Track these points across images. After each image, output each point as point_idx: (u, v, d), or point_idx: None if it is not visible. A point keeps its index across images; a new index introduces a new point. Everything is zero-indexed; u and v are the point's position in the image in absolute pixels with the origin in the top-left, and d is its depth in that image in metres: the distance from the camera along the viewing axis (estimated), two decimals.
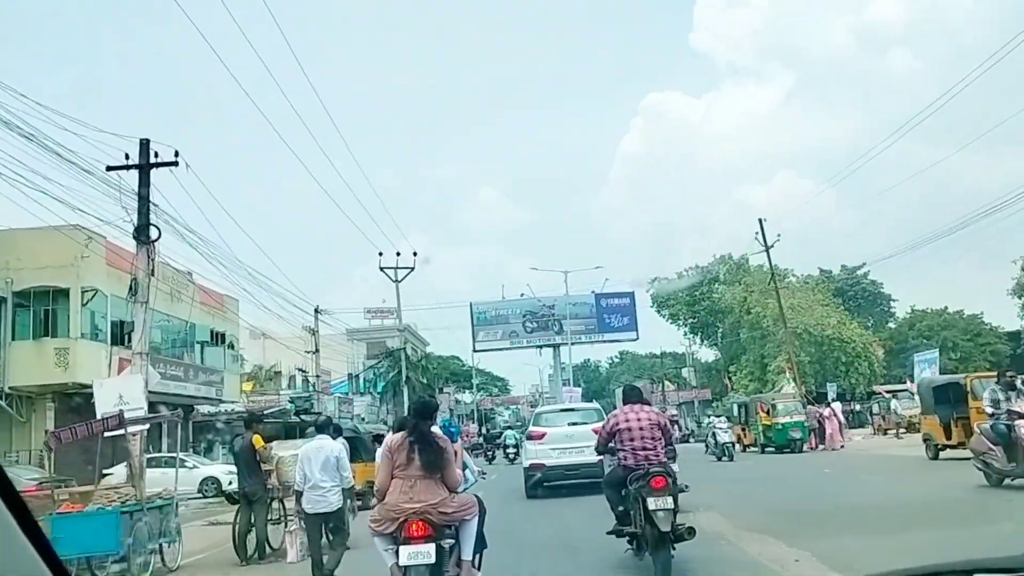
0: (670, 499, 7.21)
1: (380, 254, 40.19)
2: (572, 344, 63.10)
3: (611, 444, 7.99)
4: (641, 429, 7.74)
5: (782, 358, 52.44)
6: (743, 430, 33.61)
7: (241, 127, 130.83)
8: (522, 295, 65.06)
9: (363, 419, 57.55)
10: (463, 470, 7.30)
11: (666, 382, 79.57)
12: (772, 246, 41.80)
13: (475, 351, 65.95)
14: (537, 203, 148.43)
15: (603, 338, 64.38)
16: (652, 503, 7.14)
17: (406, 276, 40.63)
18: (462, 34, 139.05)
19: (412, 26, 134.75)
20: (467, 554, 6.11)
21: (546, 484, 16.29)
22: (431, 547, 5.69)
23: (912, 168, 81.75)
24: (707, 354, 74.23)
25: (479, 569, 6.59)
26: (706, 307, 66.14)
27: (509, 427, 61.54)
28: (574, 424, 16.47)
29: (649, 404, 8.30)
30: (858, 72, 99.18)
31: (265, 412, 27.71)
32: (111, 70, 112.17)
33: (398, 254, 40.21)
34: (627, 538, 7.87)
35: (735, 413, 34.99)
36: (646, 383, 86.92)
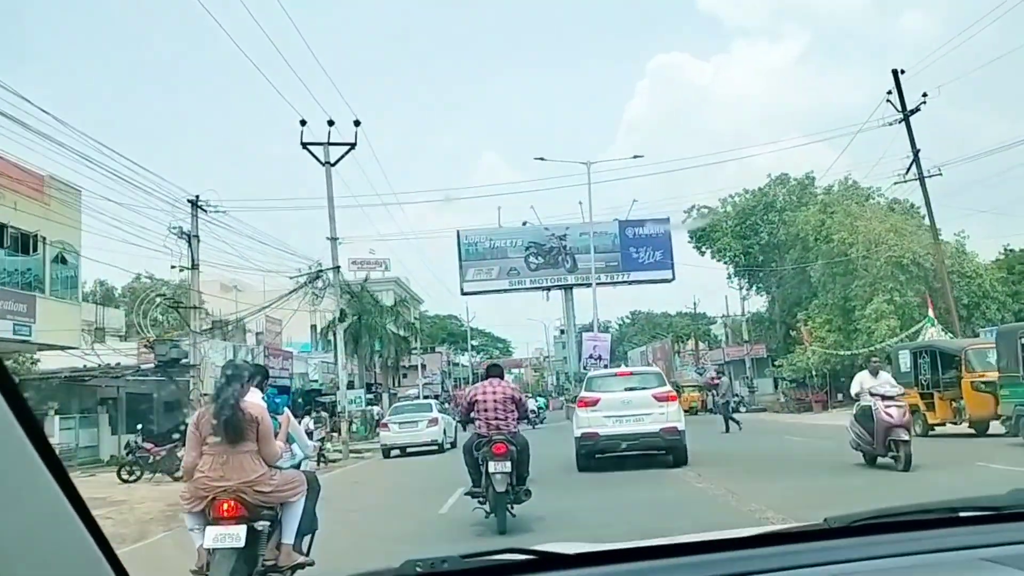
0: (508, 464, 8.51)
1: (303, 123, 25.71)
2: (590, 285, 48.95)
3: (471, 415, 9.15)
4: (495, 402, 8.96)
5: (881, 298, 38.00)
6: (932, 397, 18.97)
7: None
8: (524, 223, 50.53)
9: (315, 380, 43.73)
10: (288, 443, 6.10)
11: (695, 340, 65.81)
12: (916, 110, 26.71)
13: (464, 293, 51.48)
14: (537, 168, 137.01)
15: (629, 277, 49.87)
16: (492, 467, 8.51)
17: (342, 157, 26.14)
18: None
19: None
20: (288, 537, 5.55)
21: (599, 455, 14.57)
22: (241, 529, 5.13)
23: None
24: (751, 305, 59.58)
25: (308, 553, 5.86)
26: (762, 240, 51.52)
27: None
28: (632, 389, 14.99)
29: (503, 379, 9.47)
30: (871, 32, 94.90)
31: None
32: None
33: (330, 123, 25.65)
34: (479, 498, 8.85)
35: (905, 367, 20.15)
36: (665, 342, 73.20)
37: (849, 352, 38.79)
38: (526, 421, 35.70)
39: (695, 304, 59.29)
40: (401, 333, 49.08)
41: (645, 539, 1.77)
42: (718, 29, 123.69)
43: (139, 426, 22.34)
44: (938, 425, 18.69)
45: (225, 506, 5.14)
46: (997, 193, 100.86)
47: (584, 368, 30.86)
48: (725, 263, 53.95)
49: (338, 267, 25.49)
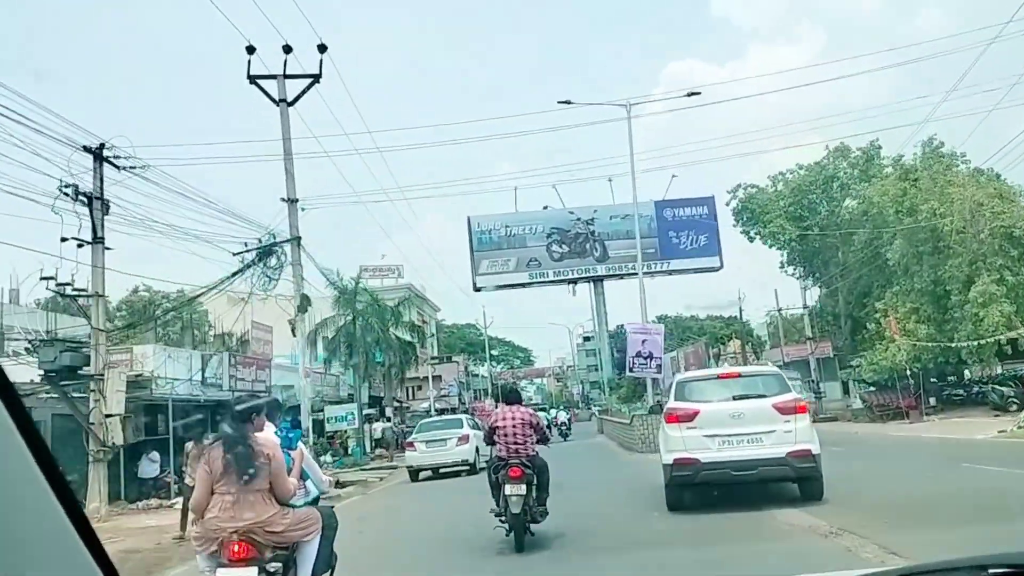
0: (523, 487, 9.04)
1: (250, 52, 18.98)
2: (621, 276, 41.88)
3: (493, 438, 9.66)
4: (514, 427, 9.48)
5: (987, 278, 30.83)
6: None
7: None
8: (546, 207, 43.55)
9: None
10: (304, 480, 5.93)
11: (735, 340, 58.64)
12: None
13: (476, 289, 44.51)
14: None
15: (669, 266, 42.75)
16: (508, 489, 9.06)
17: (303, 93, 19.43)
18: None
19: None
20: (305, 574, 5.40)
21: (700, 485, 11.07)
22: (252, 571, 5.08)
23: None
24: (807, 297, 52.19)
25: None
26: (822, 221, 44.32)
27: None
28: (743, 397, 11.40)
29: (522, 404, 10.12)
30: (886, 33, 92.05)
31: None
32: None
33: (287, 50, 18.87)
34: (500, 518, 9.32)
35: None
36: (698, 345, 66.10)
37: (953, 345, 31.60)
38: (559, 436, 32.04)
39: (740, 299, 51.92)
40: (407, 338, 42.18)
41: None
42: (733, 34, 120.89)
43: None
44: None
45: (236, 547, 5.08)
46: None
47: (630, 370, 23.92)
48: (778, 249, 46.80)
49: (298, 238, 18.64)
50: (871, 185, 40.37)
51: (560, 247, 42.79)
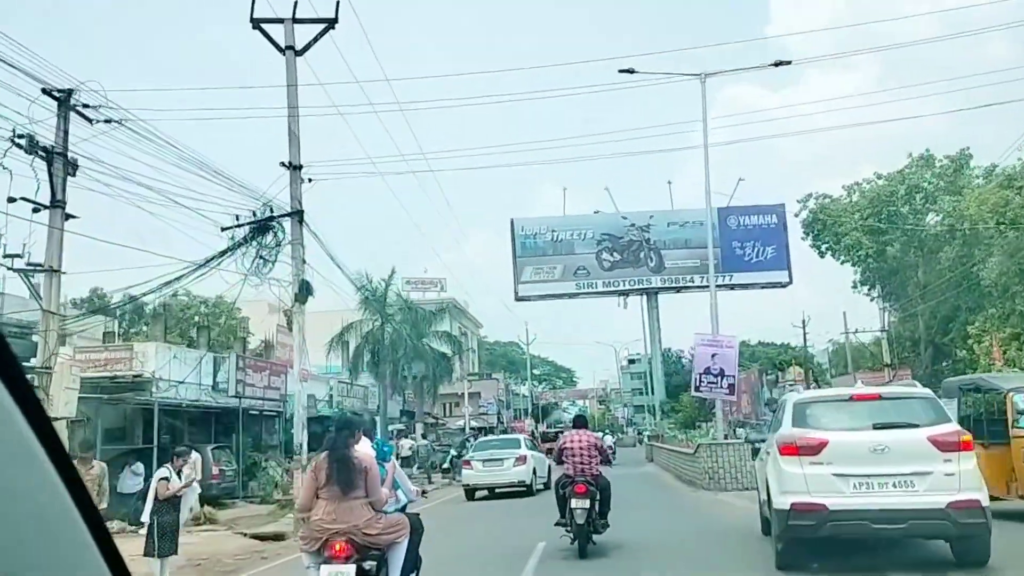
0: (587, 501, 10.06)
1: None
2: (678, 289, 37.97)
3: (562, 458, 10.73)
4: (581, 449, 10.54)
5: None
6: None
7: None
8: (596, 212, 39.86)
9: (324, 403, 33.71)
10: (395, 490, 6.80)
11: (795, 368, 54.18)
12: None
13: (518, 298, 40.89)
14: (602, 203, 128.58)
15: (731, 279, 38.76)
16: (573, 503, 10.09)
17: (315, 40, 16.23)
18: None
19: None
20: (394, 574, 6.13)
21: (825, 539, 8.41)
22: (351, 568, 5.76)
23: None
24: (875, 320, 47.62)
25: None
26: (904, 235, 39.99)
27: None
28: (887, 427, 8.59)
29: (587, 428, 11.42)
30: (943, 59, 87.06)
31: None
32: None
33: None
34: (566, 528, 10.39)
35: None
36: (751, 372, 61.73)
37: None
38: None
39: (804, 322, 47.44)
40: (442, 349, 38.76)
41: None
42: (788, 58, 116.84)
43: None
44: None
45: (337, 547, 5.77)
46: None
47: (696, 389, 20.02)
48: (852, 265, 42.51)
49: (300, 212, 15.25)
50: (962, 197, 36.14)
51: (611, 255, 39.10)
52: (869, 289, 44.21)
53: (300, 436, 14.84)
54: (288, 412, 28.80)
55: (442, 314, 39.03)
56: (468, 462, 22.87)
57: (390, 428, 33.81)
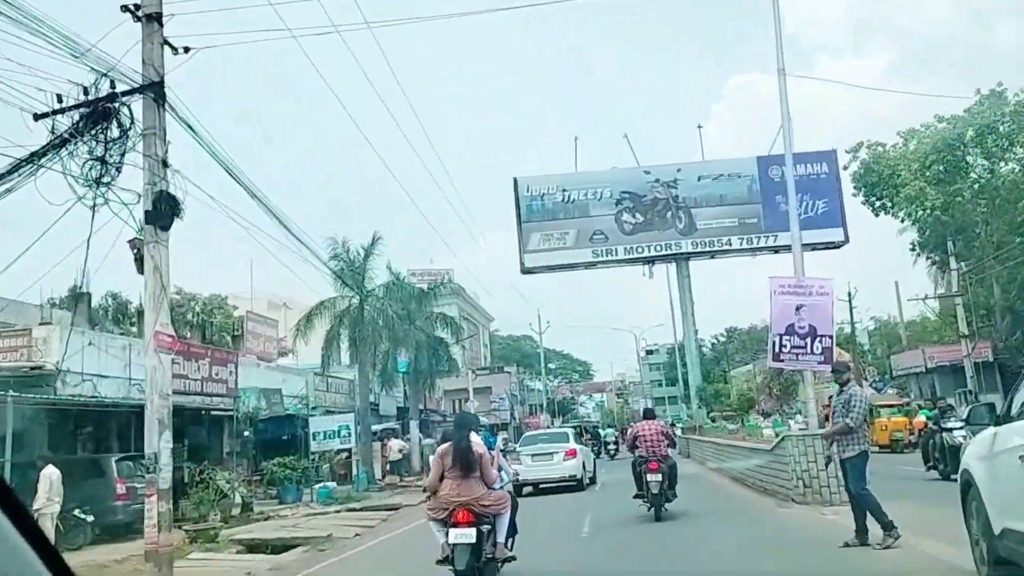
0: (660, 476, 12.61)
1: None
2: (712, 255, 32.16)
3: (635, 443, 13.46)
4: (652, 436, 13.20)
5: None
6: None
7: None
8: (613, 168, 34.11)
9: (300, 401, 28.03)
10: (499, 471, 8.62)
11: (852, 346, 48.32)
12: None
13: (524, 271, 35.06)
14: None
15: (776, 240, 32.97)
16: (649, 477, 12.67)
17: None
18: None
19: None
20: (500, 537, 7.94)
21: None
22: (472, 531, 7.58)
23: None
24: (936, 286, 41.50)
25: (511, 549, 8.21)
26: (977, 184, 34.03)
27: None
28: None
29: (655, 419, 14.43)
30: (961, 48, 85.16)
31: None
32: None
33: None
34: (641, 499, 13.00)
35: None
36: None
37: None
38: (613, 452, 39.43)
39: (850, 295, 41.30)
40: (432, 333, 33.07)
41: None
42: (798, 48, 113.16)
43: None
44: None
45: (461, 515, 7.57)
46: None
47: (775, 358, 13.86)
48: (913, 223, 36.50)
49: (158, 84, 9.51)
50: None
51: (633, 216, 33.25)
52: (932, 250, 38.21)
53: (155, 443, 9.02)
54: (239, 411, 23.19)
55: (437, 293, 33.23)
56: (517, 457, 21.93)
57: (373, 429, 28.12)
